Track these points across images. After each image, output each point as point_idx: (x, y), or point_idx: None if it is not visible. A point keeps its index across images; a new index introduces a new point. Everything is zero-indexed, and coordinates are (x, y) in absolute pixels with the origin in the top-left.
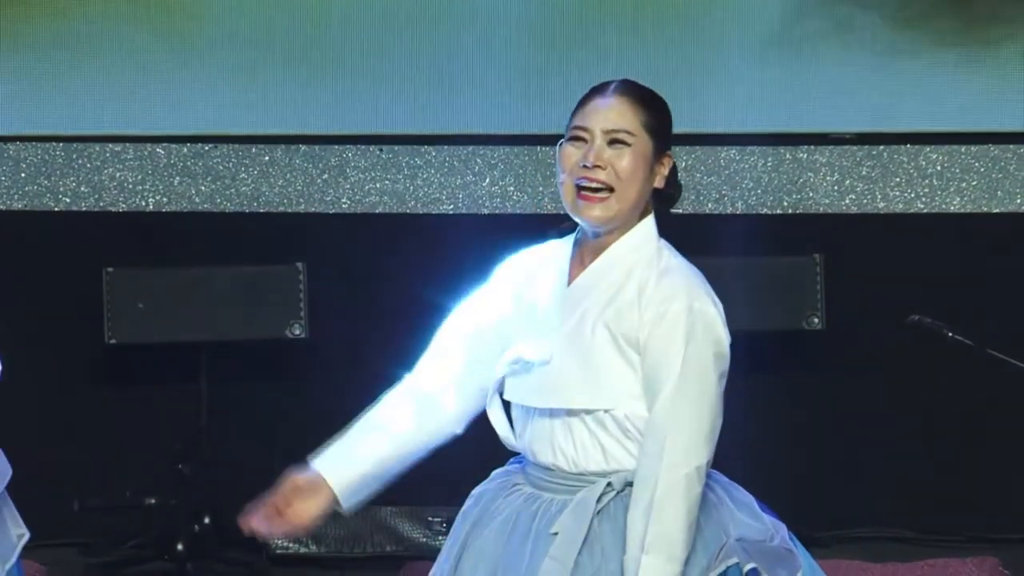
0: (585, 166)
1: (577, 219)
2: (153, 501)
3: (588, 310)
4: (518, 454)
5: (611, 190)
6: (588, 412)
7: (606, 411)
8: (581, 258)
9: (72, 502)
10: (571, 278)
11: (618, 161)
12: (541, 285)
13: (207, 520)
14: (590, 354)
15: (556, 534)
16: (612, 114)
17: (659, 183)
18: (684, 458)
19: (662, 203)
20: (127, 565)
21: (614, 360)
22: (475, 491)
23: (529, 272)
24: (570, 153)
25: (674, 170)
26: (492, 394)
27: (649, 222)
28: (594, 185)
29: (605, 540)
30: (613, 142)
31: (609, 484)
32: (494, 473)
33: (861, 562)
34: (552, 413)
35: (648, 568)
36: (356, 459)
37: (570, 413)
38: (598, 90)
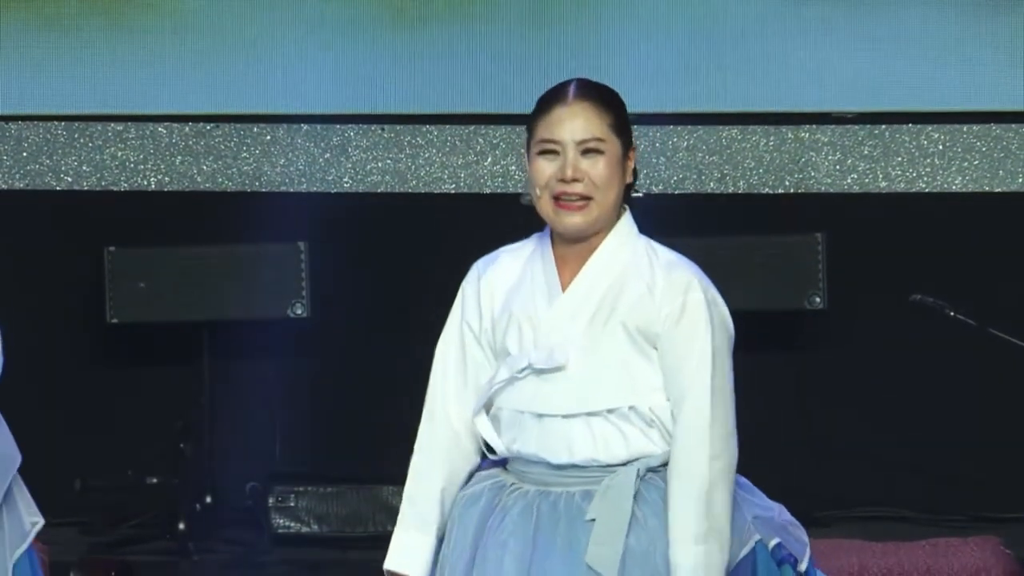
0: (563, 180)
1: (557, 227)
2: (155, 480)
3: (597, 312)
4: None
5: (589, 198)
6: (611, 410)
7: (631, 407)
8: (565, 261)
9: (74, 481)
10: (563, 283)
11: (593, 170)
12: (528, 293)
13: (208, 499)
14: (609, 355)
15: (592, 520)
16: (579, 123)
17: (628, 177)
18: (724, 449)
19: (626, 192)
20: (128, 544)
21: (633, 357)
22: (463, 494)
23: (507, 282)
24: (543, 167)
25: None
26: (480, 406)
27: (628, 217)
28: (573, 197)
29: (649, 524)
30: (587, 151)
31: (636, 471)
32: (477, 476)
33: (862, 541)
34: (570, 416)
35: (704, 558)
36: (429, 546)
37: (591, 414)
38: (557, 98)
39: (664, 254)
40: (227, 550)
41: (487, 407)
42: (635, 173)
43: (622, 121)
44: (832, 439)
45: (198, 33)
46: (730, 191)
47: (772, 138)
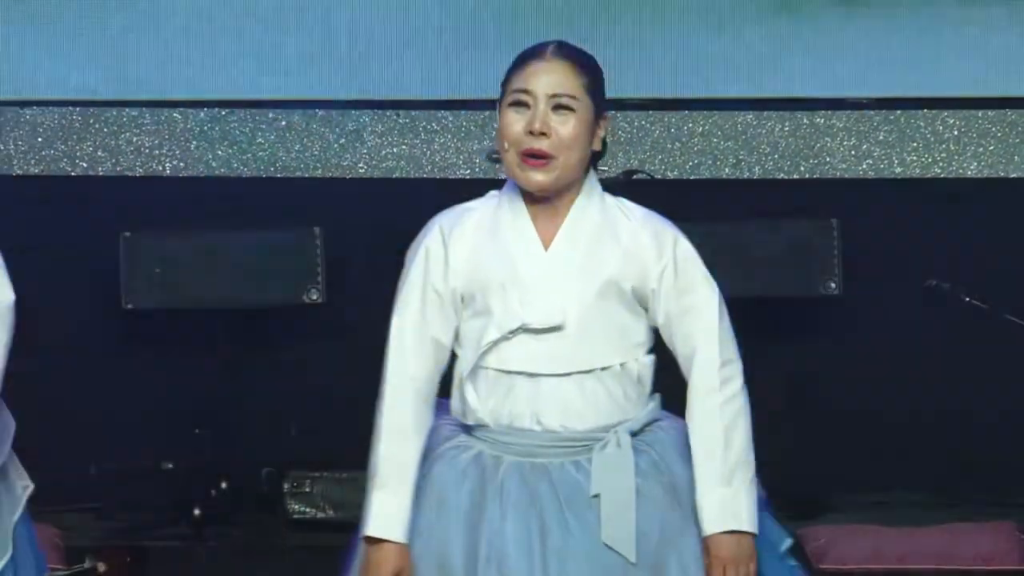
0: (531, 132)
1: (520, 183)
2: (170, 466)
3: (583, 269)
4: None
5: (553, 157)
6: (604, 368)
7: (622, 365)
8: (539, 219)
9: (89, 466)
10: (545, 239)
11: (563, 127)
12: (504, 252)
13: (224, 485)
14: (600, 312)
15: (596, 496)
16: (554, 77)
17: (597, 145)
18: (740, 384)
19: (593, 160)
20: (144, 529)
21: (622, 314)
22: (442, 466)
23: (477, 240)
24: (513, 120)
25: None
26: (469, 368)
27: (593, 176)
28: (538, 154)
29: (654, 493)
30: (557, 107)
31: (629, 441)
32: (444, 440)
33: (877, 526)
34: (565, 375)
35: (737, 497)
36: (408, 508)
37: (585, 372)
38: (534, 53)
39: (633, 207)
40: (242, 535)
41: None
42: (604, 144)
43: (597, 85)
44: (846, 424)
45: (212, 18)
46: (745, 176)
47: (787, 123)
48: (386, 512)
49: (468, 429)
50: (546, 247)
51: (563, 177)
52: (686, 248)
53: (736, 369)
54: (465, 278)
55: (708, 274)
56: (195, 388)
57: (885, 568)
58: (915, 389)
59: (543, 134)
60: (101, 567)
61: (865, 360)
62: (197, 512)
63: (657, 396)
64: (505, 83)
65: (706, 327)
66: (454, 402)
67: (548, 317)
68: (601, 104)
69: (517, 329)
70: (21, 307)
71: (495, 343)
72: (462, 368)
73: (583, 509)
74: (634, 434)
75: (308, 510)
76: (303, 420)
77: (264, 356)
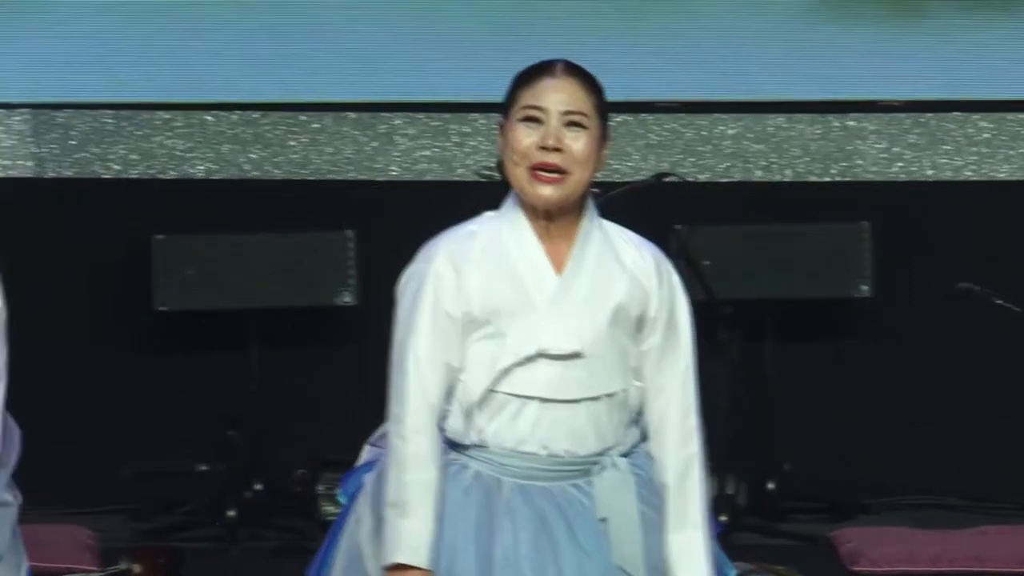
0: (544, 148)
1: (529, 198)
2: (203, 468)
3: (592, 295)
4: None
5: (566, 172)
6: (610, 395)
7: (624, 391)
8: (546, 242)
9: (123, 469)
10: (555, 263)
11: (575, 144)
12: (513, 276)
13: (257, 486)
14: (609, 338)
15: (603, 520)
16: (567, 95)
17: (601, 166)
18: (703, 432)
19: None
20: (177, 531)
21: (625, 338)
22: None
23: (487, 264)
24: (523, 134)
25: None
26: (481, 392)
27: (590, 199)
28: (551, 169)
29: (649, 516)
30: (571, 124)
31: (617, 458)
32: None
33: (911, 528)
34: (576, 401)
35: (700, 541)
36: (434, 533)
37: (594, 399)
38: (544, 69)
39: (625, 233)
40: (276, 537)
41: (449, 391)
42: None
43: (604, 107)
44: (879, 427)
45: (245, 21)
46: (776, 179)
47: (818, 126)
48: (413, 539)
49: (462, 447)
50: (557, 271)
51: (572, 194)
52: (678, 281)
53: (700, 418)
54: (478, 302)
55: (688, 310)
56: (228, 390)
57: (918, 570)
58: (947, 391)
59: (557, 149)
60: (136, 568)
61: (897, 362)
62: (231, 513)
63: (639, 420)
64: (512, 99)
65: (685, 369)
66: (453, 421)
67: (566, 343)
68: (606, 126)
69: (534, 355)
70: (55, 311)
71: (510, 368)
72: (470, 390)
73: (591, 531)
74: (623, 456)
75: None
76: (336, 422)
77: (297, 358)
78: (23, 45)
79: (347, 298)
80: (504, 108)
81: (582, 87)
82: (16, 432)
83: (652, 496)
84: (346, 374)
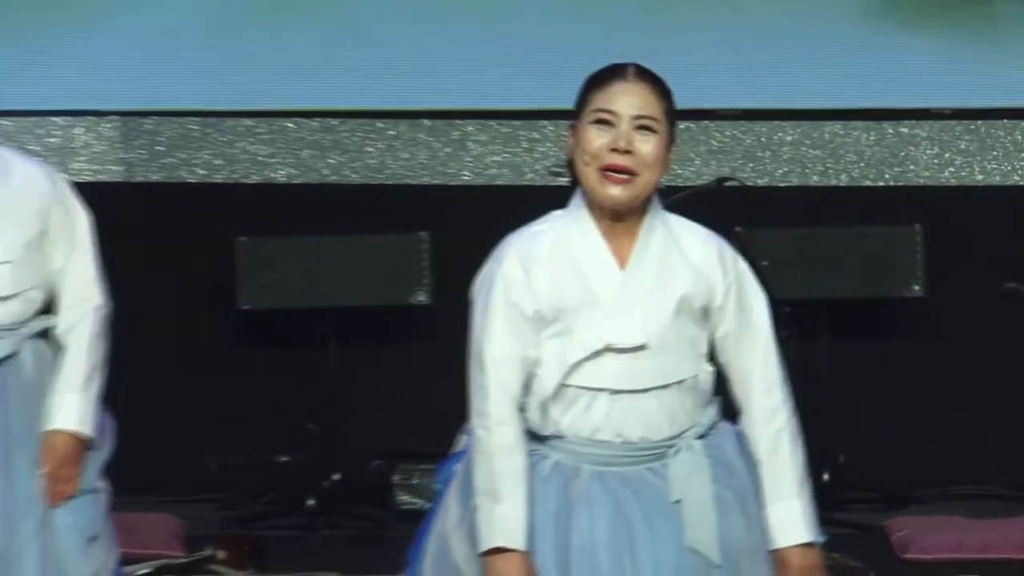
0: (615, 150)
1: (598, 198)
2: (285, 459)
3: (657, 287)
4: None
5: (635, 174)
6: (680, 382)
7: (694, 377)
8: (611, 240)
9: (208, 460)
10: (619, 259)
11: (644, 147)
12: (579, 273)
13: (336, 477)
14: (675, 328)
15: (677, 502)
16: (638, 99)
17: (667, 169)
18: (790, 404)
19: None
20: (260, 519)
21: (693, 327)
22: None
23: (554, 263)
24: (595, 136)
25: None
26: (553, 388)
27: (656, 198)
28: (621, 170)
29: (725, 497)
30: (641, 128)
31: (693, 440)
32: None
33: (961, 517)
34: (646, 391)
35: (799, 509)
36: (525, 515)
37: (664, 387)
38: (616, 73)
39: (691, 226)
40: (353, 525)
41: (526, 384)
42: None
43: (672, 112)
44: (930, 421)
45: (324, 33)
46: (832, 184)
47: (873, 133)
48: (508, 523)
49: (541, 438)
50: (620, 267)
51: (640, 195)
52: (745, 267)
53: (786, 390)
54: (546, 300)
55: (761, 292)
56: (308, 385)
57: (967, 558)
58: (995, 387)
59: (627, 152)
60: (220, 555)
61: (947, 359)
62: (311, 503)
63: (716, 400)
64: (583, 102)
65: (764, 348)
66: (531, 414)
67: (631, 337)
68: (674, 130)
69: (602, 349)
70: (143, 310)
71: (579, 363)
72: (544, 385)
73: (666, 514)
74: (700, 438)
75: (415, 501)
76: (410, 416)
77: (373, 355)
78: (112, 55)
79: (421, 297)
80: (576, 110)
81: (653, 91)
82: (109, 424)
83: (730, 477)
84: (420, 370)
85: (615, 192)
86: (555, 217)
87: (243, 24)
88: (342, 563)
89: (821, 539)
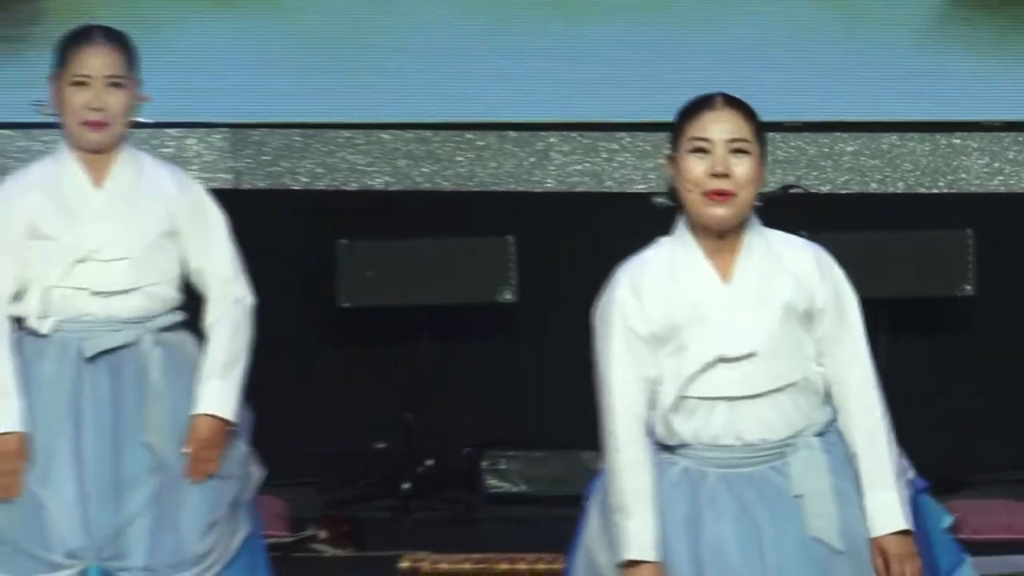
0: (714, 175)
1: (703, 219)
2: (382, 446)
3: (760, 297)
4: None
5: (735, 194)
6: (791, 384)
7: (804, 378)
8: (713, 257)
9: (312, 447)
10: (722, 275)
11: (740, 167)
12: (686, 291)
13: (429, 463)
14: (782, 334)
15: (798, 496)
16: (729, 125)
17: (763, 184)
18: (882, 402)
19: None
20: (359, 502)
21: (798, 333)
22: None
23: (662, 284)
24: (694, 164)
25: None
26: (672, 401)
27: (754, 213)
28: (721, 192)
29: (843, 488)
30: (735, 151)
31: (811, 438)
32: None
33: (1010, 501)
34: (760, 395)
35: (896, 499)
36: (656, 528)
37: (777, 390)
38: (705, 104)
39: (787, 237)
40: (445, 507)
41: (651, 403)
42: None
43: (761, 131)
44: (982, 411)
45: (418, 50)
46: (890, 191)
47: (927, 144)
48: (642, 537)
49: (669, 448)
50: (725, 281)
51: (741, 213)
52: (840, 271)
53: (879, 386)
54: (659, 321)
55: (854, 294)
56: (403, 377)
57: (1016, 538)
58: None
59: (725, 175)
60: (322, 534)
61: (997, 353)
62: (406, 487)
63: (829, 400)
64: (678, 134)
65: (859, 347)
66: (657, 427)
67: (740, 346)
68: (765, 148)
69: (714, 361)
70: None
71: (695, 376)
72: (665, 399)
73: (789, 508)
74: (817, 435)
75: (503, 485)
76: (498, 405)
77: (463, 349)
78: (223, 72)
79: (508, 295)
80: (672, 141)
81: (741, 116)
82: (247, 415)
83: (846, 469)
84: (506, 363)
85: (719, 212)
86: (662, 244)
87: (342, 46)
88: (434, 542)
89: (912, 527)
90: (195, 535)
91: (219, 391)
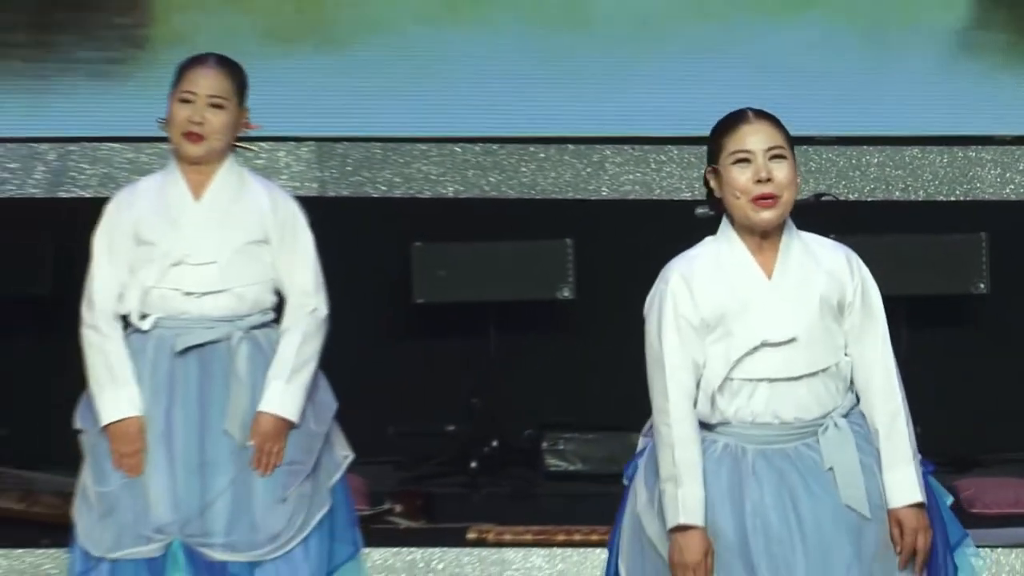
0: (759, 181)
1: (752, 222)
2: (451, 428)
3: (800, 290)
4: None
5: (778, 197)
6: (824, 369)
7: (835, 365)
8: (756, 252)
9: (388, 429)
10: (765, 270)
11: (779, 172)
12: (733, 285)
13: (494, 444)
14: (818, 324)
15: (830, 469)
16: (764, 135)
17: (798, 187)
18: (901, 386)
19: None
20: (431, 479)
21: (832, 323)
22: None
23: (711, 279)
24: (738, 175)
25: None
26: (719, 382)
27: (788, 218)
28: (767, 197)
29: (867, 463)
30: (774, 157)
31: (838, 418)
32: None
33: (1018, 479)
34: (798, 378)
35: (913, 475)
36: (703, 497)
37: (812, 374)
38: (739, 118)
39: (819, 239)
40: (508, 484)
41: (697, 384)
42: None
43: (791, 139)
44: (994, 398)
45: (487, 69)
46: (911, 199)
47: (945, 156)
48: (691, 504)
49: (711, 426)
50: (768, 276)
51: (784, 213)
52: (866, 269)
53: (899, 374)
54: (708, 309)
55: (878, 291)
56: (471, 366)
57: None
58: None
59: (768, 180)
60: (397, 508)
61: (1007, 345)
62: (473, 465)
63: (852, 387)
64: (718, 147)
65: (882, 338)
66: (701, 406)
67: (783, 332)
68: (795, 153)
69: (759, 345)
70: (335, 305)
71: (741, 359)
72: (711, 380)
73: (822, 479)
74: (843, 416)
75: (561, 464)
76: (557, 391)
77: (525, 341)
78: (311, 90)
79: (566, 293)
80: (711, 156)
81: (773, 125)
82: (333, 404)
83: (870, 447)
84: (564, 353)
85: (767, 215)
86: (707, 242)
87: (417, 67)
88: (499, 515)
89: (925, 500)
90: (266, 516)
91: (282, 392)
